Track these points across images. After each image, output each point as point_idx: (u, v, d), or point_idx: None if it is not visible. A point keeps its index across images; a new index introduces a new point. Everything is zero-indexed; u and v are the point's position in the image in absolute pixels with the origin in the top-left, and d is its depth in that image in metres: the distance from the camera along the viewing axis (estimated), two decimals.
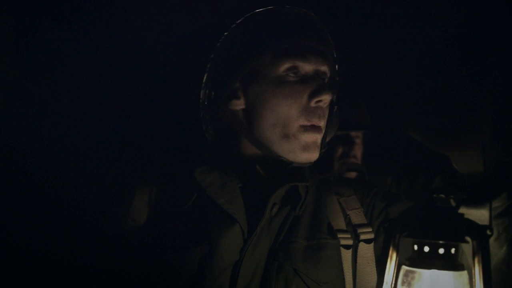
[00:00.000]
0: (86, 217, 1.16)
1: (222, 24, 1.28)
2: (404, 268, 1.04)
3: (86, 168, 1.27)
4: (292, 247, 1.17)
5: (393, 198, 1.31)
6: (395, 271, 1.05)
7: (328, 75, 1.25)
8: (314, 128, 1.20)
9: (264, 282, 1.14)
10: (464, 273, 1.02)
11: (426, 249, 1.01)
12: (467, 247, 1.02)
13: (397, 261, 1.05)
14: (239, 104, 1.22)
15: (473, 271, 1.01)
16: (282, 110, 1.17)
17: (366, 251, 1.21)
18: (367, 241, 1.22)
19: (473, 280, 1.00)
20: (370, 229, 1.23)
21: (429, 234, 1.01)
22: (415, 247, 1.03)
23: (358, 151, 1.93)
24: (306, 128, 1.19)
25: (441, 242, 1.00)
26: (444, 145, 1.13)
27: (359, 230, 1.22)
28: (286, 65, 1.19)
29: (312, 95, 1.18)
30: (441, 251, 1.00)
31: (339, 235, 1.21)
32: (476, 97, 1.72)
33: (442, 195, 1.02)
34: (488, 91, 1.67)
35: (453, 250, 1.01)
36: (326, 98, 1.18)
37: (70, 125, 1.48)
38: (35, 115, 1.48)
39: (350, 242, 1.22)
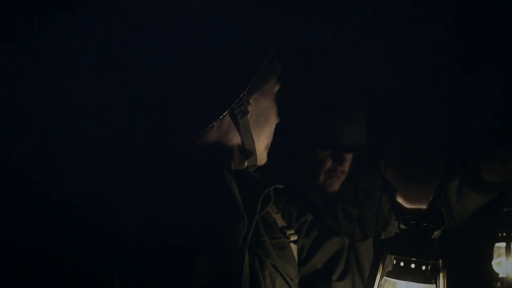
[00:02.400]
0: (86, 217, 1.14)
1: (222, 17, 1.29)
2: (386, 278, 1.34)
3: (82, 167, 1.27)
4: (266, 245, 1.27)
5: (302, 206, 1.54)
6: (380, 281, 1.35)
7: None
8: None
9: (253, 279, 1.21)
10: (433, 286, 1.31)
11: (402, 264, 1.31)
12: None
13: (383, 273, 1.35)
14: (244, 111, 1.25)
15: (438, 284, 1.30)
16: (273, 126, 1.34)
17: (294, 251, 1.39)
18: (294, 242, 1.41)
19: None
20: (293, 231, 1.42)
21: (405, 253, 1.31)
22: (395, 262, 1.33)
23: (346, 166, 1.93)
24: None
25: (413, 259, 1.30)
26: (406, 183, 1.40)
27: (287, 232, 1.40)
28: (278, 87, 1.35)
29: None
30: (413, 266, 1.30)
31: (287, 232, 1.39)
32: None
33: (424, 224, 1.34)
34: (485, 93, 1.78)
35: (423, 267, 1.31)
36: None
37: (65, 125, 1.46)
38: (29, 115, 1.45)
39: (296, 237, 1.40)
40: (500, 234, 1.86)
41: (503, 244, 1.86)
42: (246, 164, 1.32)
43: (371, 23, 1.75)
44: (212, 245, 1.15)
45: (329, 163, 1.88)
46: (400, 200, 1.36)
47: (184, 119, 1.23)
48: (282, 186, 1.29)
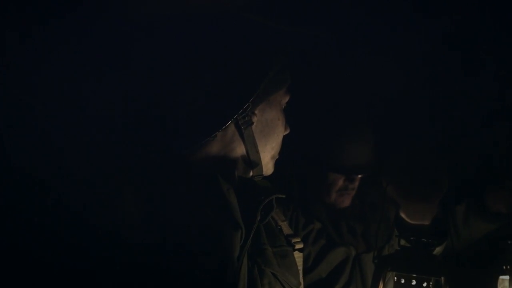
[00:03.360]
0: (81, 219, 1.14)
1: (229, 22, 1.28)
2: None
3: (83, 170, 1.25)
4: (266, 254, 1.25)
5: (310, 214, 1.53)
6: None
7: None
8: None
9: (251, 287, 1.19)
10: None
11: (403, 281, 1.27)
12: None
13: None
14: (248, 122, 1.25)
15: None
16: (280, 137, 1.32)
17: (299, 259, 1.36)
18: (300, 250, 1.37)
19: None
20: (299, 239, 1.39)
21: (406, 269, 1.28)
22: (395, 279, 1.29)
23: (357, 183, 1.90)
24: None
25: (414, 276, 1.26)
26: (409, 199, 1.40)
27: (293, 240, 1.37)
28: (287, 98, 1.33)
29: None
30: (413, 283, 1.26)
31: (293, 240, 1.36)
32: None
33: (424, 240, 1.31)
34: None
35: (424, 284, 1.27)
36: None
37: (66, 127, 1.45)
38: (20, 118, 1.45)
39: (301, 245, 1.36)
40: (504, 267, 1.83)
41: (507, 277, 1.82)
42: (251, 173, 1.29)
43: (369, 25, 1.75)
44: (207, 253, 1.13)
45: (340, 182, 1.85)
46: (403, 215, 1.34)
47: (187, 127, 1.22)
48: (284, 196, 1.27)
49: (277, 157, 1.34)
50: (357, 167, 1.84)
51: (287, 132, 1.35)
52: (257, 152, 1.28)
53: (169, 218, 1.15)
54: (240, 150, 1.27)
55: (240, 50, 1.25)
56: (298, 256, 1.35)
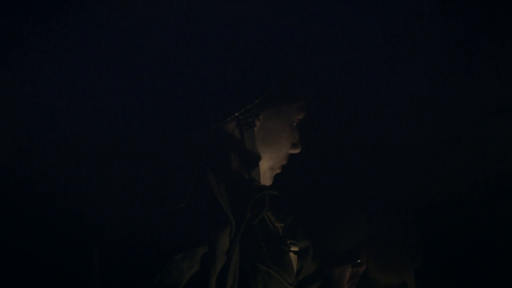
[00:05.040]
0: (76, 216, 1.14)
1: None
2: None
3: (73, 166, 1.24)
4: (261, 251, 1.25)
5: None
6: None
7: None
8: None
9: (244, 284, 1.19)
10: None
11: None
12: None
13: None
14: (251, 124, 1.24)
15: None
16: (283, 150, 1.30)
17: (294, 261, 1.36)
18: (295, 252, 1.37)
19: None
20: (295, 242, 1.38)
21: None
22: None
23: (364, 265, 1.76)
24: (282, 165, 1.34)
25: None
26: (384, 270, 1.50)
27: (288, 242, 1.36)
28: (301, 116, 1.31)
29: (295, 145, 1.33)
30: None
31: (289, 242, 1.36)
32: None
33: None
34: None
35: None
36: None
37: (55, 121, 1.44)
38: (17, 111, 1.44)
39: (297, 248, 1.37)
40: None
41: None
42: (247, 175, 1.27)
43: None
44: (193, 246, 1.13)
45: (348, 273, 1.71)
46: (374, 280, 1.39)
47: (185, 116, 1.21)
48: (276, 193, 1.26)
49: (277, 170, 1.33)
50: (360, 250, 1.73)
51: (297, 151, 1.33)
52: (255, 155, 1.26)
53: (156, 208, 1.15)
54: (237, 148, 1.25)
55: (258, 51, 1.22)
56: (293, 258, 1.35)
